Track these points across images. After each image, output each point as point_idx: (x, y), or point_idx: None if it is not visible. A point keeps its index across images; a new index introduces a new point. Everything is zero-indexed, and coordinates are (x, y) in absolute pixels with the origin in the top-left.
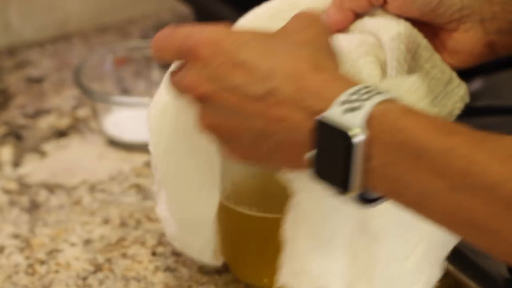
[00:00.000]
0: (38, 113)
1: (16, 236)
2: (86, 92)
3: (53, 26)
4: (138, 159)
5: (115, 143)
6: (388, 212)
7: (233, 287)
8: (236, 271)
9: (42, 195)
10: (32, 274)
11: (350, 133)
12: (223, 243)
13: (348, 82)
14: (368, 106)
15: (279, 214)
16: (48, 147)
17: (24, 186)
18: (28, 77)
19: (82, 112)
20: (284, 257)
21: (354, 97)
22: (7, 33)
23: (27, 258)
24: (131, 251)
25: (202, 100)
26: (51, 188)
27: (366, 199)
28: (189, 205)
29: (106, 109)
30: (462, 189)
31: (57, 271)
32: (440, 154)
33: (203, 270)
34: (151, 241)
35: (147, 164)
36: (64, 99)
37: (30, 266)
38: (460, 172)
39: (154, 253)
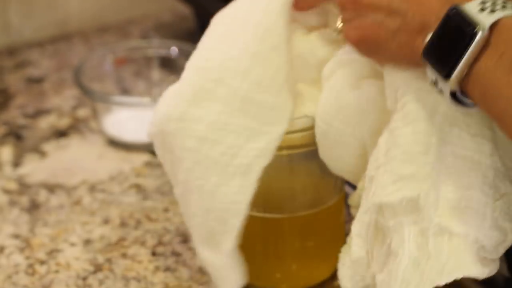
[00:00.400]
0: (38, 113)
1: (16, 236)
2: (86, 92)
3: (53, 26)
4: (138, 159)
5: (115, 143)
6: None
7: None
8: None
9: (42, 195)
10: (32, 274)
11: (477, 27)
12: None
13: None
14: (501, 13)
15: (279, 214)
16: (48, 147)
17: (24, 186)
18: (28, 77)
19: (82, 112)
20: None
21: (489, 3)
22: (7, 33)
23: (27, 258)
24: (131, 251)
25: None
26: (51, 188)
27: (459, 99)
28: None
29: (106, 109)
30: None
31: (57, 271)
32: None
33: (203, 270)
34: (151, 241)
35: (147, 164)
36: (64, 99)
37: (30, 266)
38: None
39: (154, 253)
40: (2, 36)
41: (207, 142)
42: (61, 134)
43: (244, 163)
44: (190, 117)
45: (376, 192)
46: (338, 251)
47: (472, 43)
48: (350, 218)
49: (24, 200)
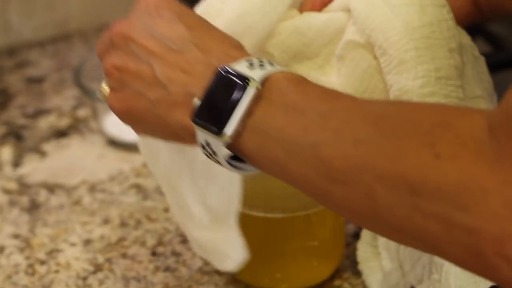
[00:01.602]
0: (38, 113)
1: (16, 236)
2: (86, 92)
3: (53, 26)
4: (138, 159)
5: (115, 143)
6: None
7: (233, 287)
8: (236, 271)
9: (42, 195)
10: (32, 274)
11: (250, 81)
12: None
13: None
14: (270, 69)
15: (279, 214)
16: (48, 147)
17: (24, 186)
18: (28, 77)
19: (82, 112)
20: None
21: (256, 62)
22: (7, 33)
23: (27, 258)
24: (131, 251)
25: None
26: (51, 188)
27: (234, 162)
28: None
29: (106, 109)
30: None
31: (57, 271)
32: (317, 116)
33: (203, 270)
34: (151, 241)
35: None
36: (64, 99)
37: (30, 266)
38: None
39: (154, 253)
40: (2, 36)
41: None
42: (61, 134)
43: None
44: None
45: None
46: (338, 251)
47: (246, 96)
48: None
49: (24, 200)
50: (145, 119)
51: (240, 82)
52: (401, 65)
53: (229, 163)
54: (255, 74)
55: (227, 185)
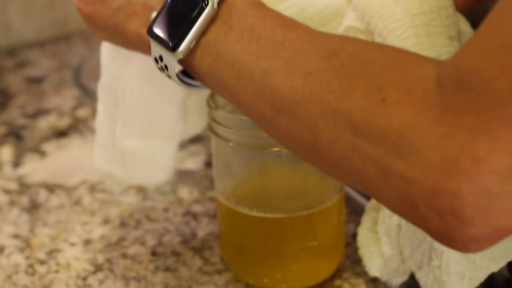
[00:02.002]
0: (38, 113)
1: (16, 236)
2: (86, 92)
3: (53, 26)
4: None
5: None
6: None
7: (233, 287)
8: (236, 271)
9: (42, 195)
10: (32, 274)
11: (206, 1)
12: (223, 243)
13: None
14: None
15: (279, 214)
16: (48, 147)
17: (24, 186)
18: (28, 77)
19: (82, 112)
20: None
21: None
22: (7, 33)
23: (27, 258)
24: (131, 251)
25: None
26: (51, 188)
27: (185, 78)
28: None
29: None
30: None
31: (57, 271)
32: (271, 44)
33: (203, 270)
34: (151, 241)
35: None
36: (64, 99)
37: (30, 266)
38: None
39: (154, 253)
40: (2, 36)
41: None
42: (61, 134)
43: None
44: None
45: None
46: (338, 251)
47: (201, 16)
48: (350, 218)
49: (24, 200)
50: (106, 25)
51: (198, 1)
52: None
53: (180, 79)
54: None
55: (172, 96)
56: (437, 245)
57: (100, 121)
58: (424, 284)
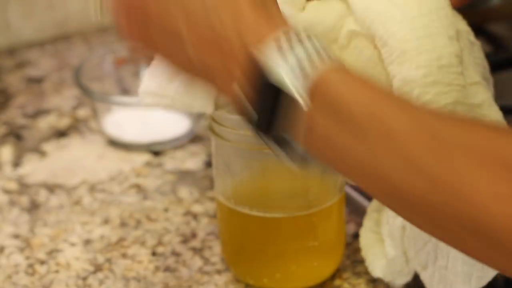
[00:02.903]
0: (38, 113)
1: (16, 236)
2: (86, 92)
3: (53, 26)
4: (138, 159)
5: (115, 143)
6: None
7: (233, 287)
8: (236, 271)
9: (42, 195)
10: (32, 274)
11: (295, 96)
12: (223, 243)
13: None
14: (309, 68)
15: (279, 214)
16: (48, 147)
17: (24, 186)
18: (28, 77)
19: (82, 112)
20: None
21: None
22: (7, 33)
23: (27, 258)
24: (131, 251)
25: None
26: (51, 188)
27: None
28: None
29: (106, 109)
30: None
31: (57, 271)
32: (381, 137)
33: (203, 270)
34: (151, 241)
35: (147, 164)
36: (64, 99)
37: (30, 266)
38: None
39: (154, 253)
40: (2, 36)
41: None
42: (61, 134)
43: None
44: None
45: None
46: (338, 251)
47: (290, 106)
48: (350, 218)
49: (24, 200)
50: (177, 64)
51: (286, 93)
52: (402, 55)
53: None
54: (296, 80)
55: None
56: (443, 245)
57: None
58: (429, 284)
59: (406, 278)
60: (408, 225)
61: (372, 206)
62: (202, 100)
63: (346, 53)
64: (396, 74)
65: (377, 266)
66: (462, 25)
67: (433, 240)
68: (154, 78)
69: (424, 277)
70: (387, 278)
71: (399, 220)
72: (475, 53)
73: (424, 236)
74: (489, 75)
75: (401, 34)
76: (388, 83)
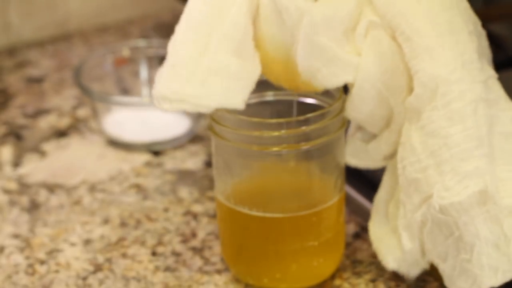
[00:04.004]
0: (38, 113)
1: (16, 236)
2: (86, 92)
3: (53, 26)
4: (138, 159)
5: (115, 143)
6: None
7: (233, 287)
8: (236, 271)
9: (42, 195)
10: (32, 274)
11: None
12: (223, 243)
13: None
14: None
15: (279, 214)
16: (48, 147)
17: (24, 186)
18: (28, 77)
19: (82, 112)
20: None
21: None
22: (7, 33)
23: (27, 258)
24: (131, 251)
25: None
26: (51, 188)
27: None
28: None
29: (106, 109)
30: None
31: (57, 271)
32: None
33: (203, 270)
34: (151, 241)
35: (147, 164)
36: (64, 99)
37: (30, 266)
38: None
39: (154, 253)
40: (2, 36)
41: None
42: (61, 134)
43: None
44: None
45: (441, 195)
46: (338, 251)
47: None
48: (350, 218)
49: (24, 200)
50: None
51: None
52: (426, 51)
53: None
54: None
55: None
56: (468, 239)
57: (184, 37)
58: (449, 276)
59: (420, 270)
60: (429, 219)
61: (379, 197)
62: (235, 95)
63: (364, 43)
64: (419, 70)
65: (391, 259)
66: (473, 15)
67: (456, 234)
68: (170, 78)
69: (443, 269)
70: (402, 269)
71: (418, 214)
72: (483, 43)
73: (445, 231)
74: (491, 62)
75: (424, 30)
76: (406, 75)
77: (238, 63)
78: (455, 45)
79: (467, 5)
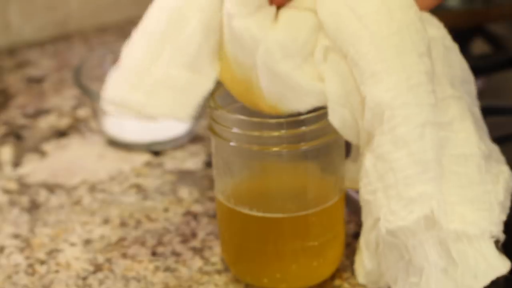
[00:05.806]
0: (38, 113)
1: (16, 236)
2: (86, 92)
3: (53, 26)
4: (138, 159)
5: (115, 143)
6: None
7: (233, 287)
8: (236, 271)
9: (42, 195)
10: (32, 274)
11: None
12: (223, 243)
13: None
14: None
15: (279, 214)
16: (48, 147)
17: (24, 186)
18: (28, 77)
19: (82, 112)
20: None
21: None
22: (7, 33)
23: (27, 258)
24: (131, 251)
25: None
26: (51, 188)
27: None
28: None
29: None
30: None
31: (57, 271)
32: None
33: (203, 270)
34: (151, 241)
35: (147, 164)
36: (64, 99)
37: (30, 266)
38: None
39: (154, 253)
40: (2, 36)
41: None
42: (61, 134)
43: None
44: None
45: (388, 219)
46: (338, 251)
47: None
48: (350, 218)
49: (24, 200)
50: None
51: None
52: (372, 76)
53: None
54: None
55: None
56: (417, 262)
57: (139, 43)
58: None
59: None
60: (381, 241)
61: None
62: (181, 108)
63: (324, 67)
64: (367, 95)
65: (360, 273)
66: (436, 31)
67: (406, 257)
68: (118, 82)
69: None
70: (370, 286)
71: (373, 235)
72: (451, 59)
73: (396, 254)
74: (470, 76)
75: (371, 55)
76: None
77: (189, 77)
78: (401, 69)
79: (420, 27)
